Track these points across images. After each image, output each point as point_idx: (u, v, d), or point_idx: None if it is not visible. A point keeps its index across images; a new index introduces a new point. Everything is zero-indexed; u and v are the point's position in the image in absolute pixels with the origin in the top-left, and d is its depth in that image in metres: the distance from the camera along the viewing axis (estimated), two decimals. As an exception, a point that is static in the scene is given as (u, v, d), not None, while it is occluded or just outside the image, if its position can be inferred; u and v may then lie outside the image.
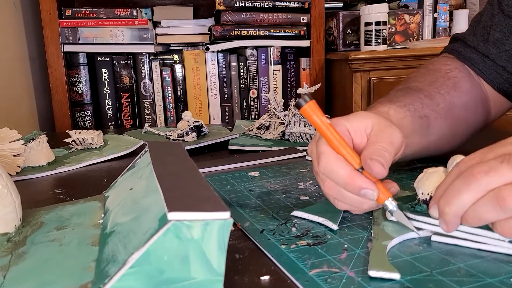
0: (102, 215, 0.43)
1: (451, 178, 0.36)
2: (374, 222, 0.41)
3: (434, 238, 0.38)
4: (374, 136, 0.42)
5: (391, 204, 0.39)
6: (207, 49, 1.33)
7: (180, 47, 1.46)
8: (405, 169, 0.58)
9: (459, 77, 0.61)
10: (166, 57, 1.39)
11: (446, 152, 0.56)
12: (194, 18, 1.42)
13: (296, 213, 0.45)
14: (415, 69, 0.66)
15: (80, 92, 1.32)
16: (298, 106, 0.41)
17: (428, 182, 0.39)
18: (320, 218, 0.43)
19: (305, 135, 0.78)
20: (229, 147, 0.76)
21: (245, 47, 1.37)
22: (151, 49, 1.32)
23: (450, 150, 0.61)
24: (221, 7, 1.30)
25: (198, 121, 0.82)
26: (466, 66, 0.63)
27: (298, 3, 1.34)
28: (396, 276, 0.32)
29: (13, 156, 0.66)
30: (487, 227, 0.35)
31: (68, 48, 1.28)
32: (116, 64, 1.33)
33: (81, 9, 1.28)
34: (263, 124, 0.85)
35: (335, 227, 0.41)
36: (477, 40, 0.63)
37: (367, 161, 0.38)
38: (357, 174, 0.39)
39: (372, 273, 0.32)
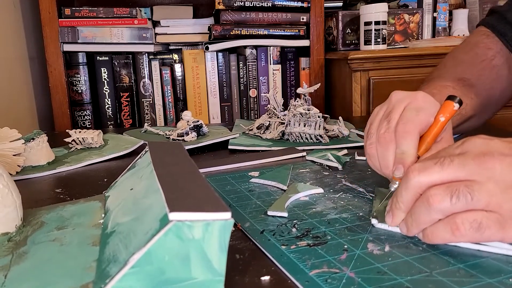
0: (103, 215, 0.43)
1: None
2: None
3: None
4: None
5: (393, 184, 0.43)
6: (207, 48, 1.33)
7: (180, 47, 1.46)
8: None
9: (500, 64, 0.66)
10: (165, 56, 1.39)
11: None
12: (193, 18, 1.42)
13: (253, 180, 0.57)
14: (460, 45, 0.71)
15: (80, 91, 1.32)
16: (452, 100, 0.45)
17: None
18: (272, 182, 0.55)
19: (305, 135, 0.78)
20: (229, 147, 0.76)
21: (245, 47, 1.37)
22: (151, 48, 1.32)
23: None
24: (221, 7, 1.30)
25: (198, 121, 0.82)
26: (501, 42, 0.67)
27: (297, 3, 1.34)
28: (284, 214, 0.44)
29: (13, 155, 0.66)
30: None
31: (67, 47, 1.28)
32: (116, 63, 1.33)
33: (81, 8, 1.28)
34: (263, 124, 0.85)
35: (284, 187, 0.53)
36: None
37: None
38: (414, 154, 0.43)
39: (269, 212, 0.45)
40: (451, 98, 0.45)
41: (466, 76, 0.64)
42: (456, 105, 0.44)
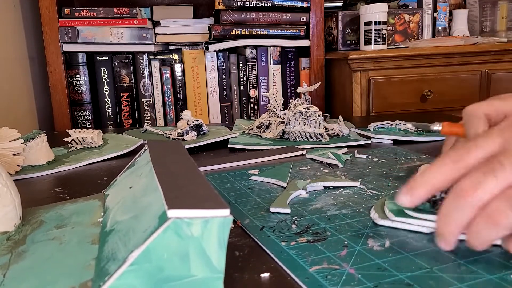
0: (102, 214, 0.43)
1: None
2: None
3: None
4: None
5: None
6: (207, 48, 1.33)
7: (180, 47, 1.46)
8: (405, 167, 0.58)
9: None
10: (165, 56, 1.39)
11: None
12: (193, 18, 1.42)
13: (253, 177, 0.57)
14: None
15: (80, 91, 1.32)
16: None
17: None
18: (272, 180, 0.55)
19: (305, 133, 0.78)
20: (229, 146, 0.76)
21: (245, 47, 1.37)
22: (151, 48, 1.32)
23: None
24: (221, 7, 1.30)
25: (198, 120, 0.82)
26: None
27: (297, 3, 1.34)
28: (287, 211, 0.44)
29: (13, 155, 0.65)
30: None
31: (67, 47, 1.28)
32: (116, 63, 1.33)
33: (81, 8, 1.28)
34: (263, 123, 0.85)
35: (284, 184, 0.53)
36: None
37: None
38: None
39: (272, 209, 0.44)
40: None
41: None
42: None
